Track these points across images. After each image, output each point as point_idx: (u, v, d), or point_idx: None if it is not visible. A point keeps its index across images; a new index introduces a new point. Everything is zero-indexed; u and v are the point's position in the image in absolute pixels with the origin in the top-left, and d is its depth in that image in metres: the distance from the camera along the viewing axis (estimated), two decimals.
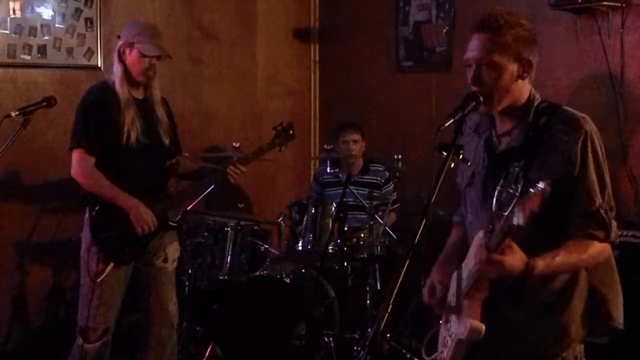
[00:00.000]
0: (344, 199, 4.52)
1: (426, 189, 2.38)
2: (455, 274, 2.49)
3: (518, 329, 2.45)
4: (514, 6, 5.15)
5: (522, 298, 2.39)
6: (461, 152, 2.31)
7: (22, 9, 4.89)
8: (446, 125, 2.33)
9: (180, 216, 4.52)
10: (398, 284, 2.10)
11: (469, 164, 2.47)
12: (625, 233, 4.08)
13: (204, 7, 5.81)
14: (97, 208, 3.87)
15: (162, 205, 3.97)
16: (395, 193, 5.22)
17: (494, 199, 2.33)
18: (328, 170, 5.12)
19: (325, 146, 5.28)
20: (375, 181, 5.33)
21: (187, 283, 4.89)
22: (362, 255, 4.78)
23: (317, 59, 6.51)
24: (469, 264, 2.42)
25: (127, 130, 3.83)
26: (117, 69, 3.89)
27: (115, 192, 3.85)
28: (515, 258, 2.19)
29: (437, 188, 2.29)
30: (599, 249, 2.35)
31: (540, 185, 2.00)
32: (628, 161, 4.59)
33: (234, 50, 6.01)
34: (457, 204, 2.76)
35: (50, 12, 4.99)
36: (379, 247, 4.79)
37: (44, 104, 3.82)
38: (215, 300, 4.77)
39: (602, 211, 2.32)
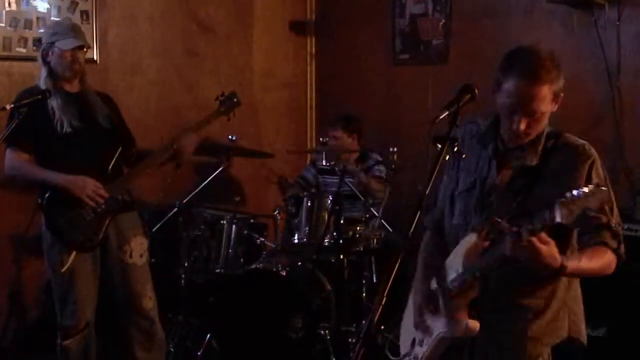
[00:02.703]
0: (340, 189, 4.53)
1: (422, 181, 2.40)
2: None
3: (492, 330, 2.52)
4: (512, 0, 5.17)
5: (504, 302, 2.50)
6: (456, 144, 2.33)
7: (17, 2, 4.87)
8: (441, 117, 2.35)
9: (175, 208, 4.51)
10: (392, 276, 2.11)
11: (463, 156, 2.50)
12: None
13: None
14: (46, 196, 3.89)
15: (111, 186, 3.95)
16: (384, 171, 5.16)
17: (494, 208, 2.42)
18: (324, 163, 5.12)
19: (320, 139, 5.28)
20: (369, 165, 5.30)
21: (183, 276, 4.89)
22: (358, 248, 4.78)
23: (313, 51, 6.49)
24: (455, 263, 2.49)
25: (59, 118, 3.88)
26: (41, 71, 3.95)
27: (47, 174, 3.88)
28: (553, 251, 2.21)
29: (432, 180, 2.31)
30: (611, 258, 2.42)
31: (603, 187, 2.10)
32: (624, 154, 4.59)
33: (230, 43, 5.99)
34: (432, 206, 2.82)
35: (46, 5, 4.97)
36: (375, 240, 4.79)
37: (39, 97, 3.81)
38: (211, 294, 4.77)
39: (613, 225, 2.41)
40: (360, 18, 6.12)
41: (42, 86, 3.90)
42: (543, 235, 2.15)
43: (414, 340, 2.67)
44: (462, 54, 5.47)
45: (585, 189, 2.07)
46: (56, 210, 3.89)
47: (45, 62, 3.94)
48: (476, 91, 2.44)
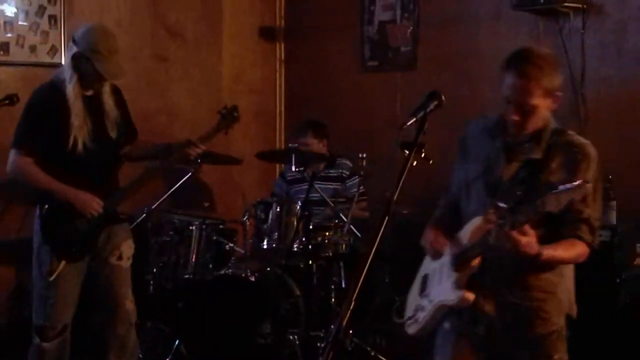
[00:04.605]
0: (310, 195, 4.53)
1: (391, 187, 2.45)
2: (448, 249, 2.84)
3: (505, 307, 2.76)
4: (479, 7, 5.23)
5: (516, 282, 2.74)
6: (423, 150, 2.37)
7: None
8: (408, 124, 2.40)
9: (144, 214, 4.51)
10: (360, 281, 2.13)
11: (430, 162, 2.54)
12: None
13: (169, 4, 5.78)
14: (46, 207, 3.85)
15: (111, 199, 3.92)
16: (362, 187, 5.21)
17: (500, 194, 2.68)
18: (293, 169, 5.12)
19: (290, 145, 5.29)
20: (340, 174, 5.33)
21: (151, 282, 4.87)
22: (327, 254, 4.79)
23: (282, 57, 6.51)
24: (462, 241, 2.77)
25: (74, 137, 3.79)
26: (70, 75, 3.80)
27: (52, 186, 3.82)
28: (531, 242, 2.50)
29: (400, 186, 2.33)
30: (584, 250, 2.69)
31: (588, 183, 2.41)
32: None
33: (200, 49, 5.99)
34: (447, 190, 3.07)
35: (14, 9, 4.94)
36: (343, 246, 4.80)
37: (7, 101, 3.79)
38: (180, 299, 4.76)
39: (591, 220, 2.67)
40: (330, 25, 6.15)
41: (69, 94, 3.78)
42: (525, 227, 2.46)
43: (417, 307, 2.96)
44: (430, 60, 5.52)
45: (574, 183, 2.36)
46: (54, 221, 3.85)
47: (76, 68, 3.79)
48: (443, 97, 2.50)
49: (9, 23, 4.92)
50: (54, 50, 5.11)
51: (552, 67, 2.69)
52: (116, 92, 4.05)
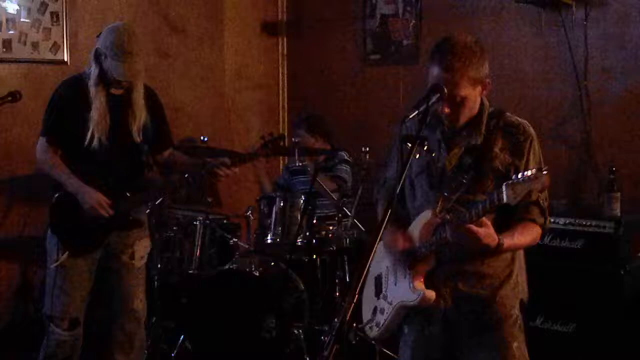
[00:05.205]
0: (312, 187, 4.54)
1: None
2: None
3: (462, 300, 2.73)
4: (480, 0, 5.22)
5: (471, 272, 2.71)
6: (425, 143, 2.38)
7: None
8: (410, 117, 2.40)
9: (147, 210, 4.50)
10: (364, 275, 2.13)
11: (433, 155, 2.54)
12: (589, 223, 4.14)
13: (171, 0, 5.78)
14: (56, 196, 3.86)
15: (126, 202, 3.91)
16: (347, 175, 5.19)
17: (446, 185, 2.65)
18: (296, 164, 5.12)
19: (293, 139, 5.29)
20: (333, 164, 5.33)
21: (156, 277, 4.87)
22: (331, 248, 4.80)
23: (285, 52, 6.51)
24: (413, 237, 2.71)
25: (92, 131, 3.78)
26: (93, 69, 3.81)
27: (65, 178, 3.83)
28: (490, 233, 2.47)
29: (403, 179, 2.34)
30: (538, 233, 2.68)
31: (544, 171, 2.30)
32: (591, 152, 4.66)
33: (202, 44, 5.99)
34: (383, 179, 3.03)
35: (16, 7, 4.94)
36: (347, 240, 4.81)
37: (9, 98, 3.78)
38: (185, 295, 4.77)
39: (540, 202, 2.64)
40: (331, 18, 6.15)
41: (91, 87, 3.79)
42: (482, 219, 2.44)
43: (375, 309, 2.89)
44: None
45: (529, 173, 2.27)
46: (62, 212, 3.86)
47: (98, 62, 3.79)
48: (445, 91, 2.50)
49: (11, 20, 4.92)
50: (56, 47, 5.10)
51: (477, 57, 2.59)
52: (151, 96, 4.03)
